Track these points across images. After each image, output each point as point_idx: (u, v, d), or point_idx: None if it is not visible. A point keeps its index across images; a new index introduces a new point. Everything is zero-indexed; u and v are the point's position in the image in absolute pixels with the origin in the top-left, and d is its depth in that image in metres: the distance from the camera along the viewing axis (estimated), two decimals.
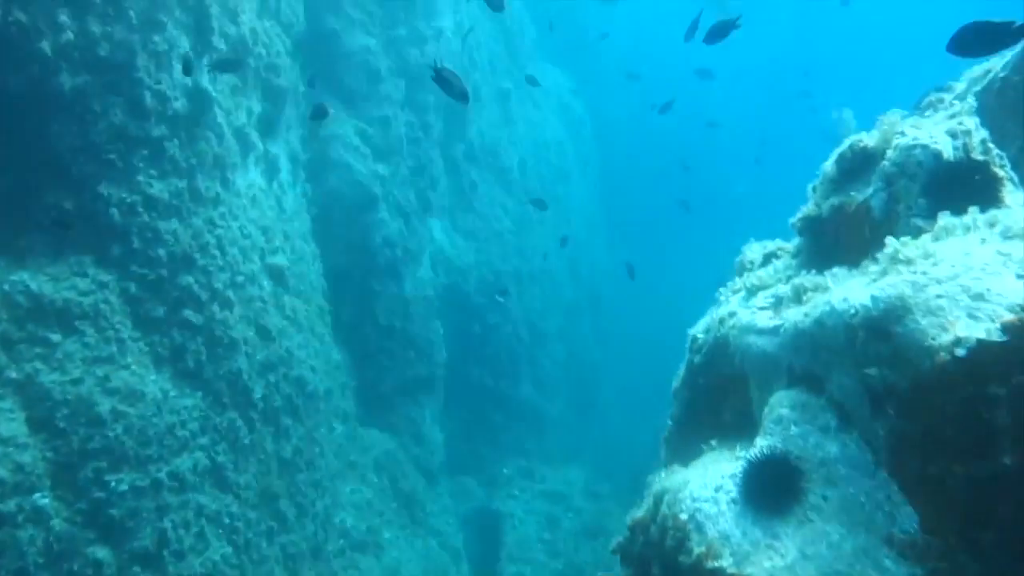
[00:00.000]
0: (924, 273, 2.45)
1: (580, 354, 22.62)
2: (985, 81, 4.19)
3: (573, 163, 23.90)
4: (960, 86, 4.52)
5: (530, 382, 18.42)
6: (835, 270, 2.97)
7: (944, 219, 2.73)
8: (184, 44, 7.50)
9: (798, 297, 2.99)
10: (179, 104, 7.33)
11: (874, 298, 2.50)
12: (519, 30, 21.64)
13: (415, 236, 12.79)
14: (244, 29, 8.73)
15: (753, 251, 4.11)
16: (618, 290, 29.32)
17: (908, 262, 2.55)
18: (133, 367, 6.74)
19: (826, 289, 2.87)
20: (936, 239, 2.65)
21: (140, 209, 6.98)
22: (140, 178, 6.99)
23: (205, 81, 7.80)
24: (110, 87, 6.71)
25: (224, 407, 7.62)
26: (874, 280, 2.62)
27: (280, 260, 9.08)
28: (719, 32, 8.03)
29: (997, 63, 4.22)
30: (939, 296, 2.36)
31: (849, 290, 2.67)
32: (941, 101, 4.36)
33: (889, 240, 2.69)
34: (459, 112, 15.58)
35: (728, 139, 37.08)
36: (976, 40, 3.85)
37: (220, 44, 8.18)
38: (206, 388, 7.45)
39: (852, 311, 2.56)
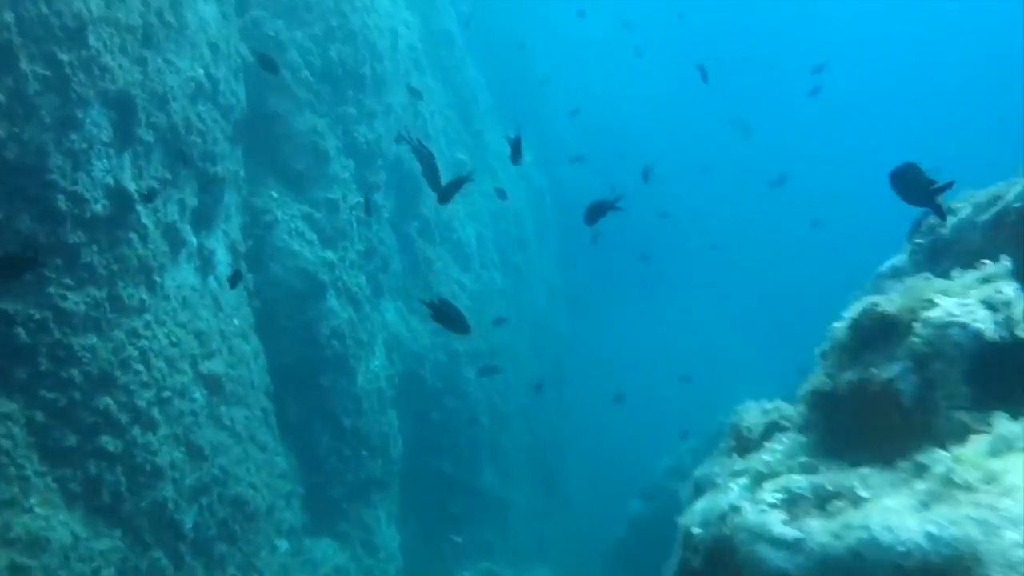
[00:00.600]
0: (993, 508, 1.96)
1: (543, 433, 21.96)
2: (994, 211, 3.80)
3: (532, 233, 23.59)
4: (962, 208, 4.14)
5: (492, 468, 17.69)
6: (864, 471, 2.48)
7: (1002, 423, 2.27)
8: (105, 138, 6.92)
9: (821, 503, 2.48)
10: (99, 206, 6.71)
11: (931, 537, 2.00)
12: (473, 97, 21.48)
13: (367, 323, 12.16)
14: (176, 118, 8.17)
15: (751, 416, 3.62)
16: (580, 360, 28.89)
17: (967, 488, 2.06)
18: (37, 509, 5.96)
19: (857, 500, 2.37)
20: (995, 453, 2.18)
21: (51, 326, 6.28)
22: (51, 290, 6.31)
23: (128, 179, 7.20)
24: (17, 192, 6.06)
25: (147, 546, 6.82)
26: (924, 505, 2.12)
27: (216, 366, 8.37)
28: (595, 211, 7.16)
29: (1007, 190, 3.84)
30: (1018, 546, 1.87)
31: (891, 513, 2.17)
32: (953, 245, 3.95)
33: (938, 456, 2.21)
34: (412, 188, 15.15)
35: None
36: (906, 188, 3.95)
37: (147, 135, 7.62)
38: (125, 525, 6.66)
39: (902, 548, 2.05)
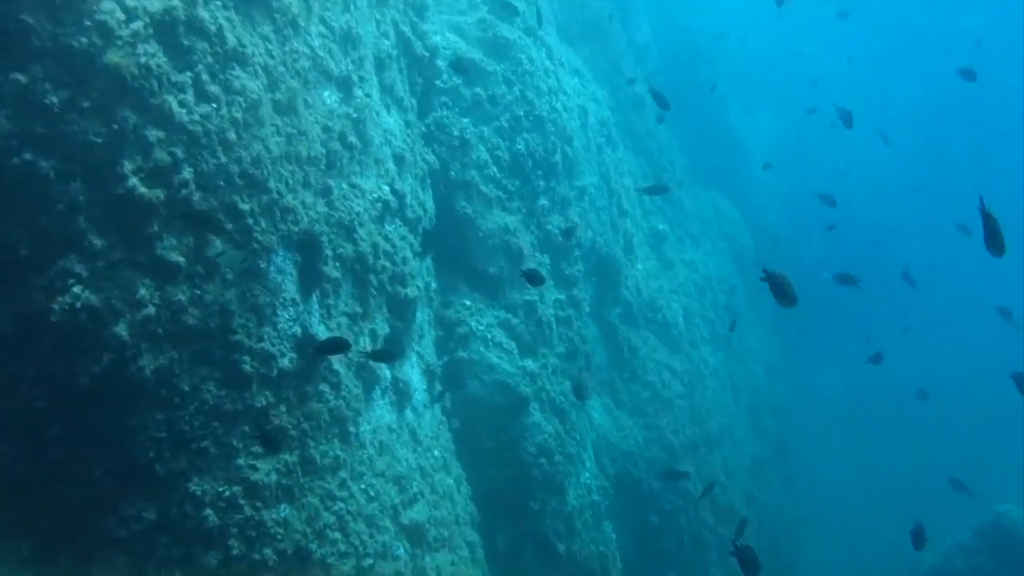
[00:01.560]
0: None
1: (771, 521, 19.88)
2: None
3: (742, 299, 21.84)
4: None
5: (722, 568, 16.00)
6: None
7: None
8: (290, 284, 6.49)
9: None
10: (286, 360, 6.24)
11: None
12: (669, 160, 20.36)
13: (574, 433, 11.19)
14: (363, 246, 7.73)
15: None
16: (806, 433, 26.41)
17: None
18: None
19: None
20: None
21: (241, 502, 5.79)
22: (240, 462, 5.84)
23: (316, 322, 6.73)
24: (201, 358, 5.67)
25: None
26: None
27: (418, 514, 7.69)
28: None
29: None
30: None
31: None
32: None
33: None
34: (611, 272, 14.21)
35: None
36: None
37: (334, 271, 7.18)
38: None
39: None
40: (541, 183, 11.72)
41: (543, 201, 11.70)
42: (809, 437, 27.63)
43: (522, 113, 11.48)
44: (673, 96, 27.47)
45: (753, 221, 27.51)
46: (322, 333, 6.81)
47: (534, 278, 8.95)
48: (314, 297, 6.84)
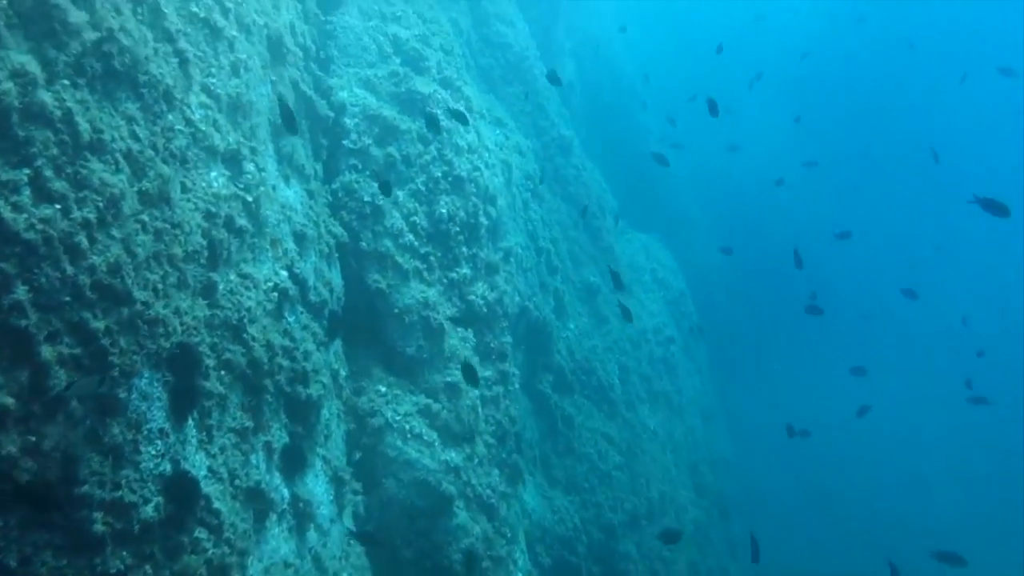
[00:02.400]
0: None
1: None
2: None
3: (679, 349, 21.47)
4: None
5: None
6: None
7: None
8: (158, 412, 5.57)
9: None
10: (150, 508, 5.30)
11: None
12: (599, 206, 19.92)
13: (504, 530, 10.39)
14: (257, 347, 6.84)
15: None
16: (746, 487, 26.17)
17: None
18: None
19: None
20: None
21: None
22: None
23: (192, 454, 5.81)
24: (34, 525, 4.70)
25: None
26: None
27: None
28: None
29: None
30: None
31: None
32: None
33: None
34: (542, 338, 13.55)
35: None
36: None
37: (218, 385, 6.27)
38: None
39: None
40: (463, 249, 10.99)
41: (465, 270, 10.96)
42: (750, 482, 27.44)
43: (440, 174, 10.77)
44: (600, 134, 27.42)
45: (686, 259, 27.47)
46: (200, 463, 5.89)
47: None
48: (190, 421, 5.91)
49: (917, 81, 39.69)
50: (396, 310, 9.93)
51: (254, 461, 6.72)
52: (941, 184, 36.81)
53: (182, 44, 6.61)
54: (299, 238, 8.23)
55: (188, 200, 6.35)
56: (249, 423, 6.69)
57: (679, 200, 32.31)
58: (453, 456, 9.71)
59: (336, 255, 9.31)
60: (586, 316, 16.30)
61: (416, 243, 10.30)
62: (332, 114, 9.75)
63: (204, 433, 6.08)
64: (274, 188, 7.91)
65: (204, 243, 6.40)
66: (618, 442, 15.18)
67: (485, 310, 11.19)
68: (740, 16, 37.93)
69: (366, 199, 9.92)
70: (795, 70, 37.80)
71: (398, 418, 9.42)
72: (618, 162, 27.41)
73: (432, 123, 9.78)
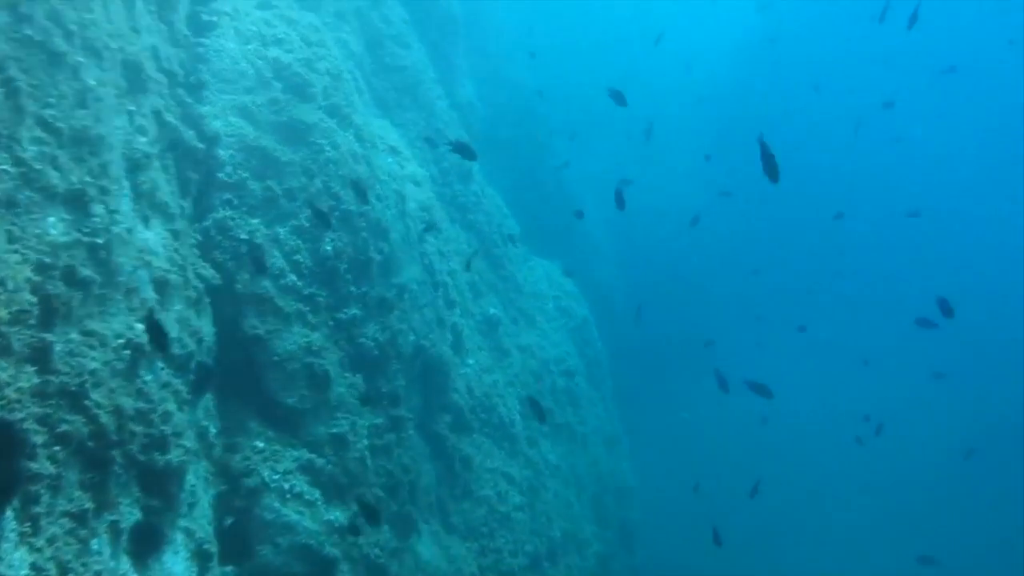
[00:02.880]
0: None
1: None
2: None
3: (582, 378, 21.23)
4: None
5: None
6: None
7: None
8: None
9: None
10: None
11: None
12: (499, 234, 19.52)
13: None
14: (102, 413, 6.06)
15: None
16: (649, 514, 26.15)
17: None
18: None
19: None
20: None
21: None
22: None
23: (9, 550, 5.01)
24: None
25: None
26: None
27: None
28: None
29: None
30: None
31: None
32: None
33: None
34: (439, 377, 13.00)
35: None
36: None
37: (47, 465, 5.47)
38: None
39: None
40: (352, 289, 10.35)
41: (354, 310, 10.33)
42: (654, 508, 27.43)
43: (327, 208, 10.12)
44: (502, 157, 27.11)
45: (589, 283, 27.39)
46: (20, 561, 5.09)
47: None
48: (8, 512, 5.11)
49: (819, 116, 41.00)
50: (276, 357, 9.22)
51: (95, 547, 5.92)
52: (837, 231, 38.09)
53: (12, 72, 5.83)
54: (161, 285, 7.45)
55: (15, 252, 5.56)
56: (89, 504, 5.89)
57: (585, 224, 32.32)
58: (338, 515, 9.03)
59: (207, 300, 8.53)
60: (487, 350, 15.82)
61: (299, 283, 9.62)
62: (203, 145, 8.98)
63: (28, 524, 5.27)
64: (129, 231, 7.13)
65: (34, 300, 5.61)
66: (519, 481, 14.72)
67: (376, 352, 10.58)
68: (642, 39, 38.36)
69: (242, 237, 9.19)
70: (702, 103, 38.60)
71: (276, 476, 8.69)
72: (522, 185, 27.19)
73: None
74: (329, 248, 9.95)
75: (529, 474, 15.27)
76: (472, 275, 16.65)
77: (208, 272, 8.59)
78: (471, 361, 14.67)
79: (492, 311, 16.72)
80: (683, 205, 33.77)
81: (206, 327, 8.36)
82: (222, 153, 9.44)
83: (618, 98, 12.88)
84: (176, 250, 7.97)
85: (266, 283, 9.30)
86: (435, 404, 13.05)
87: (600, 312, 26.81)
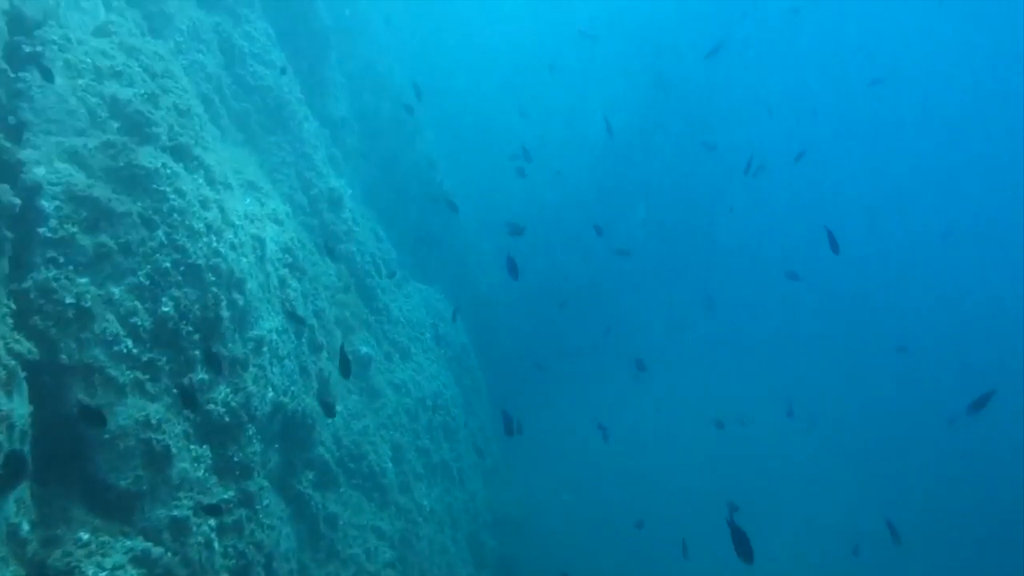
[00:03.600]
0: None
1: None
2: None
3: (460, 411, 20.85)
4: None
5: None
6: None
7: None
8: None
9: None
10: None
11: None
12: (372, 264, 18.92)
13: None
14: None
15: None
16: (533, 540, 26.03)
17: None
18: None
19: None
20: None
21: None
22: None
23: None
24: None
25: None
26: None
27: None
28: None
29: None
30: None
31: None
32: None
33: None
34: (301, 432, 12.34)
35: None
36: None
37: None
38: None
39: None
40: (198, 350, 9.59)
41: (202, 374, 9.57)
42: (538, 534, 27.29)
43: (170, 264, 9.34)
44: (383, 174, 26.37)
45: (475, 298, 27.03)
46: None
47: None
48: None
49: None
50: (107, 435, 8.39)
51: None
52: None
53: None
54: None
55: None
56: None
57: (466, 237, 31.97)
58: None
59: (22, 376, 7.67)
60: (356, 394, 15.22)
61: (136, 350, 8.81)
62: (18, 200, 8.08)
63: None
64: None
65: None
66: (390, 535, 14.18)
67: (227, 419, 9.86)
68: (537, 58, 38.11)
69: (68, 301, 8.32)
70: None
71: (103, 574, 7.89)
72: (403, 201, 26.61)
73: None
74: (169, 308, 9.16)
75: (401, 525, 14.76)
76: (341, 310, 16.00)
77: (23, 345, 7.72)
78: (339, 408, 14.04)
79: (364, 350, 16.11)
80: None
81: (19, 408, 7.49)
82: (45, 205, 8.54)
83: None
84: None
85: (97, 351, 8.46)
86: (298, 461, 12.38)
87: (484, 328, 26.59)
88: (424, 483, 16.88)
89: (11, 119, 8.79)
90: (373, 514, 14.04)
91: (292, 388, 11.95)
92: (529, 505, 26.91)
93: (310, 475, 12.56)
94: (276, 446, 11.72)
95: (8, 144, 8.51)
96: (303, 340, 12.96)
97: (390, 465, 15.05)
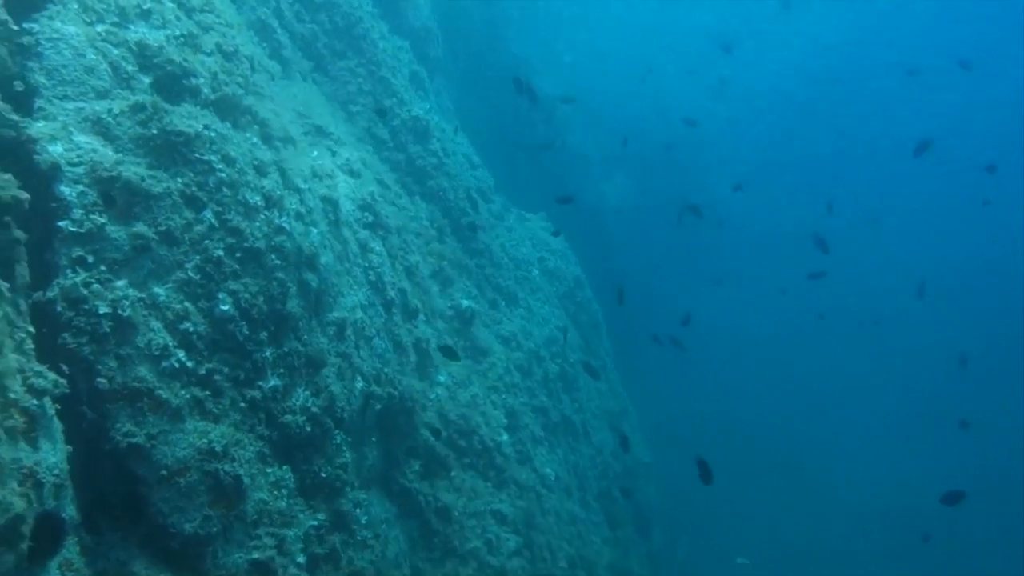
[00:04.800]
0: None
1: None
2: None
3: (578, 356, 19.34)
4: None
5: None
6: None
7: None
8: None
9: None
10: None
11: None
12: (467, 195, 17.31)
13: None
14: None
15: None
16: (666, 484, 24.90)
17: None
18: None
19: None
20: None
21: None
22: None
23: None
24: None
25: None
26: None
27: None
28: None
29: None
30: None
31: None
32: None
33: None
34: (400, 416, 11.07)
35: None
36: None
37: None
38: None
39: None
40: (268, 351, 8.25)
41: (273, 381, 8.26)
42: (671, 478, 26.08)
43: (223, 251, 7.94)
44: (473, 87, 24.55)
45: (586, 230, 25.39)
46: None
47: None
48: None
49: None
50: (164, 471, 7.20)
51: None
52: None
53: None
54: None
55: None
56: None
57: (576, 146, 30.06)
58: None
59: (51, 415, 6.48)
60: (460, 356, 13.85)
61: (190, 363, 7.52)
62: (27, 195, 6.73)
63: None
64: None
65: None
66: (512, 518, 12.94)
67: (309, 429, 8.57)
68: None
69: (103, 311, 7.04)
70: None
71: None
72: (497, 115, 24.88)
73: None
74: (226, 308, 7.80)
75: (524, 504, 13.51)
76: (437, 261, 14.54)
77: (45, 380, 6.47)
78: (442, 379, 12.71)
79: (465, 303, 14.66)
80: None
81: (49, 457, 6.29)
82: (66, 191, 7.19)
83: None
84: None
85: (142, 370, 7.20)
86: (399, 452, 11.15)
87: (597, 254, 25.03)
88: (544, 447, 15.58)
89: (17, 84, 7.40)
90: (491, 495, 12.80)
91: (385, 371, 10.61)
92: (660, 444, 25.63)
93: (415, 465, 11.33)
94: (373, 439, 10.47)
95: (15, 118, 7.14)
96: (396, 310, 11.56)
97: (505, 437, 13.73)
